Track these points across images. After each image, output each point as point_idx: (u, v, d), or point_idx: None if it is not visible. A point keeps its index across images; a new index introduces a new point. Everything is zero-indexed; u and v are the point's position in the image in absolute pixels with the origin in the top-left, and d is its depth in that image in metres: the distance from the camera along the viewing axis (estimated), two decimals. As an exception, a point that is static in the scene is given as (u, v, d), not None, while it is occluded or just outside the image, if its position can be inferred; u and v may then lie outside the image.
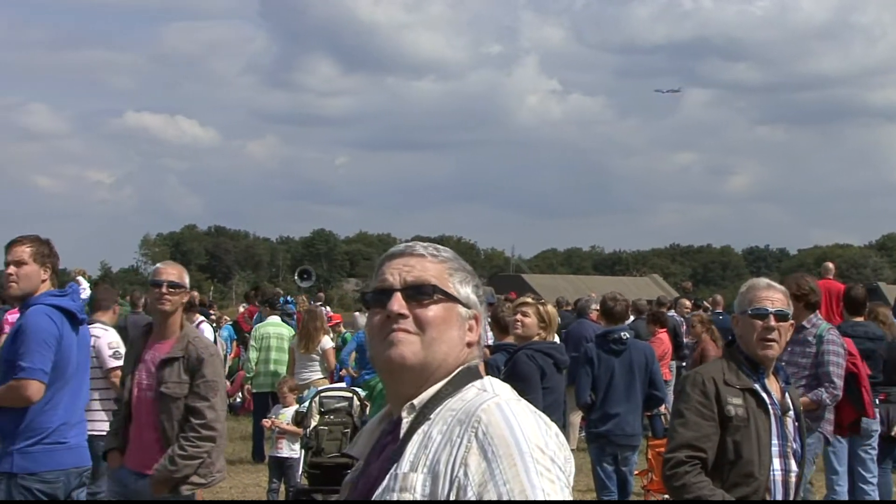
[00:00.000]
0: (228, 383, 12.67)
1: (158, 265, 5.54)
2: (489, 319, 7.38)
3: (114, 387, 7.10)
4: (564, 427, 9.40)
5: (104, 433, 6.09)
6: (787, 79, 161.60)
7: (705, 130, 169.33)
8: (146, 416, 5.30)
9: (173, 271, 5.40)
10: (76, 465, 5.11)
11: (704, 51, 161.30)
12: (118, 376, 6.52)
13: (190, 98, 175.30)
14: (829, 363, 6.60)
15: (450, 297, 2.16)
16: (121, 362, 6.59)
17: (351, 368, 12.98)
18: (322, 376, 11.08)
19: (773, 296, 4.12)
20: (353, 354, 12.76)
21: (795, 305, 5.01)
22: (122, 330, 9.03)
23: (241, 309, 19.81)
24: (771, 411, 4.04)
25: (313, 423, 8.13)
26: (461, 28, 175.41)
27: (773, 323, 4.05)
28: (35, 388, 4.91)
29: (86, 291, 10.74)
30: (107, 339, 7.62)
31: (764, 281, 4.28)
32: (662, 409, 10.37)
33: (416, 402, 2.11)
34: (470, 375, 2.14)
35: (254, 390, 12.19)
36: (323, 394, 8.43)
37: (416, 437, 2.06)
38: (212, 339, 10.84)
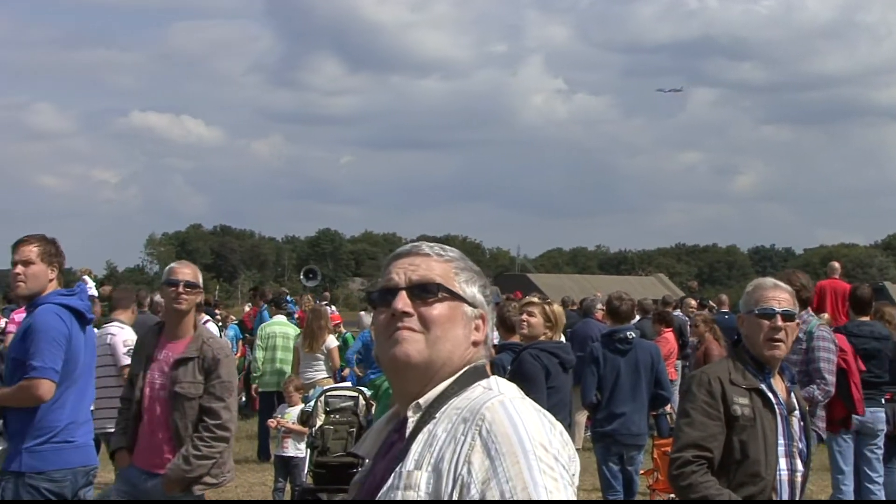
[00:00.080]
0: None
1: (173, 265, 5.55)
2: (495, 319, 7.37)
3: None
4: (570, 426, 9.39)
5: None
6: (792, 78, 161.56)
7: (711, 130, 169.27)
8: (159, 416, 5.31)
9: (188, 271, 5.42)
10: (83, 463, 5.12)
11: (709, 50, 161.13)
12: None
13: (195, 97, 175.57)
14: (819, 359, 6.55)
15: (455, 296, 2.17)
16: None
17: (356, 368, 12.99)
18: (327, 375, 11.09)
19: (779, 295, 4.11)
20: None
21: None
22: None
23: (247, 308, 19.83)
24: (777, 411, 4.04)
25: (319, 423, 8.13)
26: (466, 27, 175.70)
27: (780, 323, 4.05)
28: (46, 388, 4.92)
29: (91, 291, 10.78)
30: (122, 336, 7.69)
31: (770, 281, 4.27)
32: (668, 408, 10.35)
33: (421, 401, 2.11)
34: (476, 375, 2.15)
35: (259, 389, 12.21)
36: (328, 393, 8.44)
37: (422, 436, 2.06)
38: (217, 338, 10.85)
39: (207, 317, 13.12)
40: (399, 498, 2.02)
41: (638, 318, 13.23)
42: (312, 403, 8.45)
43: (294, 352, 11.52)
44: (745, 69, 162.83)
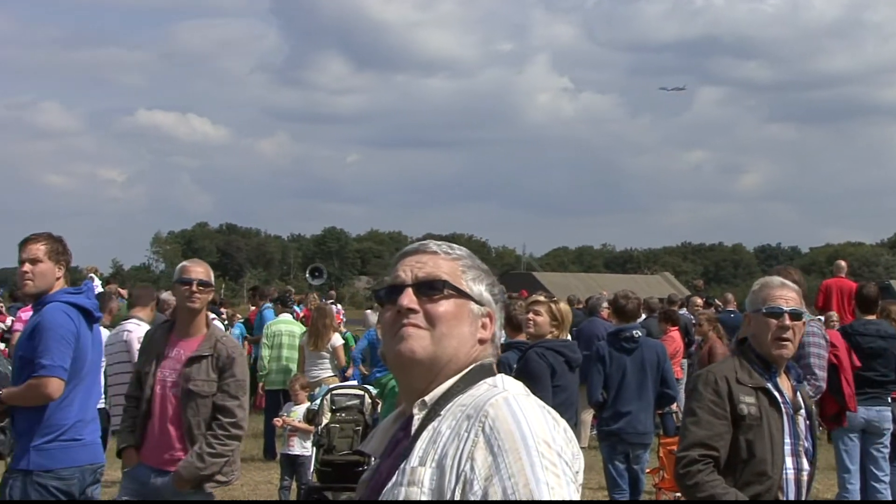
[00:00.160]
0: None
1: (185, 263, 5.56)
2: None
3: None
4: (576, 425, 9.39)
5: None
6: (798, 77, 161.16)
7: (716, 129, 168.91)
8: (170, 413, 5.32)
9: (201, 269, 5.44)
10: (91, 461, 5.13)
11: (715, 49, 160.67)
12: None
13: (201, 96, 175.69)
14: (810, 355, 6.52)
15: (461, 294, 2.18)
16: None
17: (361, 366, 12.99)
18: (332, 374, 11.10)
19: (787, 294, 4.10)
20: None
21: None
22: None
23: (252, 308, 19.84)
24: (783, 410, 4.03)
25: (325, 421, 8.15)
26: (472, 26, 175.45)
27: (787, 322, 4.04)
28: (56, 386, 4.92)
29: (98, 289, 10.81)
30: (138, 333, 7.72)
31: (777, 279, 4.26)
32: (674, 407, 10.37)
33: (427, 398, 2.12)
34: (483, 372, 2.15)
35: (266, 387, 12.22)
36: (334, 391, 8.46)
37: (426, 433, 2.07)
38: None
39: (213, 315, 13.13)
40: (402, 494, 2.02)
41: (644, 316, 13.23)
42: (318, 402, 8.47)
43: (299, 350, 11.54)
44: (750, 68, 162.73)
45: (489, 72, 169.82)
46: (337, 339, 11.26)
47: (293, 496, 9.12)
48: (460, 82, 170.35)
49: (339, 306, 22.19)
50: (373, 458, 2.28)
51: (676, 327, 13.30)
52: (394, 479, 2.06)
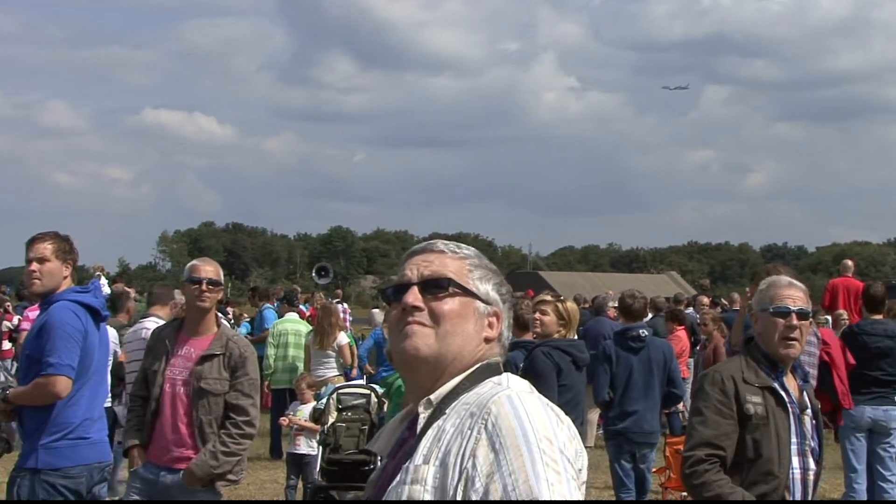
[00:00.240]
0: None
1: (195, 262, 5.57)
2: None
3: None
4: (582, 424, 9.38)
5: None
6: (805, 76, 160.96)
7: (723, 128, 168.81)
8: (180, 411, 5.32)
9: (211, 268, 5.45)
10: (98, 460, 5.14)
11: (722, 48, 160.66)
12: None
13: (208, 95, 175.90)
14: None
15: (467, 292, 2.18)
16: None
17: (367, 366, 13.00)
18: (338, 373, 11.11)
19: (794, 294, 4.10)
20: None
21: None
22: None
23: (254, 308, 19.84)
24: (790, 409, 4.03)
25: (331, 420, 8.14)
26: (478, 25, 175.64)
27: (795, 322, 4.04)
28: (63, 384, 4.93)
29: (104, 289, 10.83)
30: None
31: (785, 279, 4.26)
32: (680, 406, 10.35)
33: (432, 397, 2.12)
34: (489, 371, 2.16)
35: (272, 387, 12.24)
36: (341, 391, 8.45)
37: (431, 432, 2.08)
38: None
39: (219, 314, 13.14)
40: (406, 492, 2.03)
41: (650, 315, 13.21)
42: (324, 401, 8.47)
43: (305, 349, 11.55)
44: (757, 67, 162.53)
45: (495, 71, 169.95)
46: (342, 338, 11.28)
47: (299, 495, 9.12)
48: (466, 81, 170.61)
49: (346, 305, 22.18)
50: (380, 458, 2.28)
51: (683, 326, 13.28)
52: (398, 477, 2.06)
